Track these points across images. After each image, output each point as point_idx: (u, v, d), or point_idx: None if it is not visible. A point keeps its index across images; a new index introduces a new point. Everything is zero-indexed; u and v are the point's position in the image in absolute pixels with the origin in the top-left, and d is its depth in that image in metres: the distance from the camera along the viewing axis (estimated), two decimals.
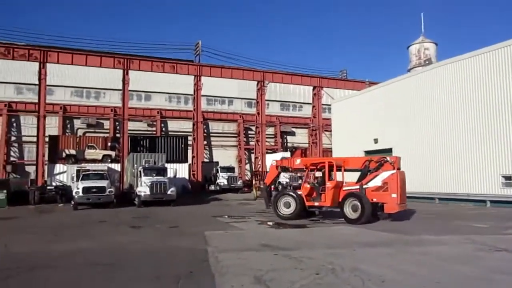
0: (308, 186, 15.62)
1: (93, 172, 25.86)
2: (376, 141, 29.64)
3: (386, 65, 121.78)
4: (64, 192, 27.37)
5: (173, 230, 13.49)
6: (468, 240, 10.11)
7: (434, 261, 7.80)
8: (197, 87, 38.01)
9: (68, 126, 43.28)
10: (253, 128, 45.22)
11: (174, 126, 46.62)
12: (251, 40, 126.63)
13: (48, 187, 28.35)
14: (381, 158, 15.38)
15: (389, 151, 28.18)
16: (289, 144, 51.15)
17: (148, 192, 23.24)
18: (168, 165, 27.72)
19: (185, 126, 44.51)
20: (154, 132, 44.68)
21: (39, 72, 31.50)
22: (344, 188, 14.94)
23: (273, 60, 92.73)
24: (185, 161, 36.84)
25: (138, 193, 23.58)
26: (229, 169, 38.13)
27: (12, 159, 40.86)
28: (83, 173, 25.60)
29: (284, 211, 15.53)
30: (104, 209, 21.98)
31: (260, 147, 40.78)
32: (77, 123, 43.53)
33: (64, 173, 31.26)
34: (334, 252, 8.66)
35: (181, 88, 44.32)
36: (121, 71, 34.23)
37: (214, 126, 48.80)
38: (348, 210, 14.19)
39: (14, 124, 41.46)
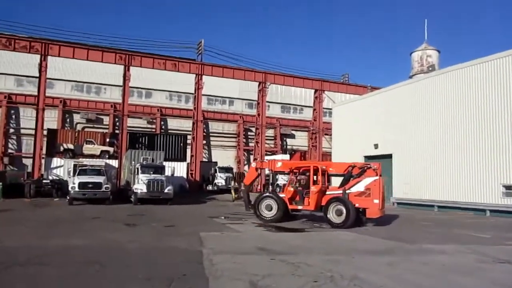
0: (292, 189, 15.63)
1: (90, 168, 25.62)
2: (376, 146, 29.45)
3: (388, 70, 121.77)
4: (60, 187, 27.12)
5: (168, 229, 13.23)
6: (469, 250, 9.88)
7: (436, 272, 7.56)
8: (198, 86, 37.80)
9: (68, 120, 43.09)
10: (253, 129, 45.05)
11: (174, 124, 46.43)
12: (253, 41, 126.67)
13: (44, 181, 28.06)
14: (364, 164, 15.56)
15: (389, 157, 28.04)
16: (288, 147, 50.97)
17: (144, 190, 22.95)
18: (166, 164, 27.45)
19: (185, 124, 44.32)
20: (154, 130, 44.48)
21: (40, 64, 31.29)
22: (328, 193, 15.04)
23: (275, 62, 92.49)
24: (184, 160, 36.60)
25: (134, 190, 23.30)
26: (228, 169, 37.91)
27: (10, 151, 40.68)
28: (80, 168, 25.33)
29: (266, 213, 15.42)
30: (99, 205, 21.70)
31: (260, 149, 40.57)
32: (77, 117, 43.35)
33: (61, 167, 31.01)
34: (332, 258, 8.42)
35: (182, 86, 44.13)
36: (122, 67, 34.03)
37: (214, 126, 48.60)
38: (332, 215, 14.32)
39: (13, 116, 41.27)
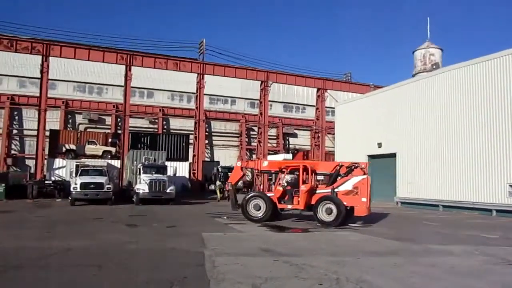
0: (281, 188, 15.64)
1: (92, 168, 25.48)
2: (380, 145, 29.20)
3: (391, 69, 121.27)
4: (62, 187, 27.04)
5: (170, 230, 13.05)
6: (478, 251, 9.63)
7: (445, 274, 7.32)
8: (200, 85, 37.64)
9: (70, 121, 43.03)
10: (256, 128, 44.88)
11: (176, 124, 46.31)
12: (255, 41, 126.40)
13: (47, 182, 28.00)
14: (352, 163, 15.76)
15: (393, 156, 27.79)
16: (291, 146, 50.73)
17: (146, 190, 22.81)
18: (168, 163, 27.30)
19: (187, 124, 44.17)
20: (156, 130, 44.36)
21: (42, 65, 31.24)
22: (318, 191, 15.09)
23: (277, 61, 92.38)
24: (186, 159, 36.47)
25: (136, 191, 23.15)
26: (230, 169, 37.67)
27: (13, 152, 40.64)
28: (82, 168, 25.22)
29: (254, 213, 15.34)
30: (101, 206, 21.58)
31: (262, 148, 40.36)
32: (79, 118, 43.30)
33: (63, 168, 30.94)
34: (337, 260, 8.19)
35: (184, 86, 43.97)
36: (124, 67, 33.92)
37: (216, 126, 48.43)
38: (322, 213, 14.43)
39: (16, 117, 41.25)
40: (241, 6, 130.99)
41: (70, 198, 22.47)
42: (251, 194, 15.91)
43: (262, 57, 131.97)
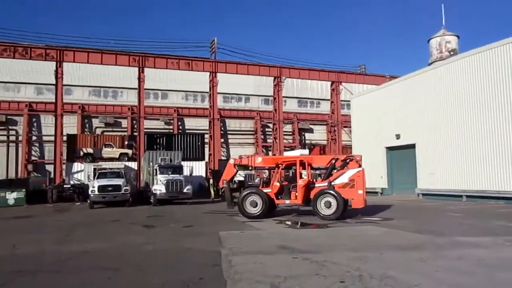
0: (278, 184, 15.73)
1: (109, 171, 25.65)
2: (398, 136, 28.57)
3: (406, 59, 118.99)
4: (81, 191, 27.30)
5: (187, 230, 12.92)
6: (509, 243, 9.17)
7: (474, 267, 6.93)
8: (213, 83, 37.55)
9: (87, 125, 43.52)
10: (270, 125, 44.57)
11: (191, 124, 46.35)
12: (266, 37, 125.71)
13: (66, 186, 28.33)
14: (346, 156, 15.96)
15: (412, 146, 27.15)
16: (307, 141, 50.23)
17: (163, 190, 22.83)
18: (184, 163, 27.29)
19: (202, 123, 44.14)
20: (172, 130, 44.46)
21: (56, 71, 31.65)
22: (317, 185, 15.15)
23: (290, 57, 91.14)
24: (202, 159, 36.42)
25: (153, 191, 23.21)
26: (246, 166, 37.48)
27: (33, 158, 41.32)
28: (99, 171, 25.42)
29: (251, 210, 15.30)
30: (119, 208, 21.68)
31: (278, 145, 40.07)
32: (95, 122, 43.74)
33: (81, 172, 31.29)
34: (359, 255, 7.86)
35: (198, 86, 43.94)
36: (137, 69, 34.10)
37: (231, 124, 48.28)
38: (321, 207, 14.45)
39: (35, 124, 41.92)
40: (251, 2, 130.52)
41: (88, 201, 22.66)
42: (247, 191, 15.79)
43: (274, 53, 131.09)
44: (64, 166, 32.13)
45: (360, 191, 14.48)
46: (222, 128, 45.77)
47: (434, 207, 19.34)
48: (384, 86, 32.87)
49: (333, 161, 15.55)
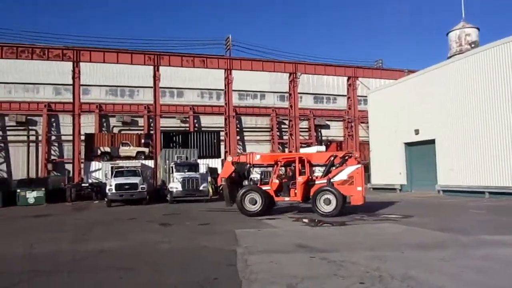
0: (277, 181, 15.68)
1: (126, 169, 25.85)
2: (417, 132, 27.93)
3: (424, 53, 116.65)
4: (99, 189, 27.59)
5: (203, 228, 12.84)
6: None
7: (502, 268, 6.60)
8: (228, 80, 37.44)
9: (104, 124, 44.06)
10: (286, 122, 44.26)
11: (207, 121, 46.43)
12: (281, 33, 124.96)
13: (84, 184, 28.69)
14: (346, 153, 16.12)
15: (431, 142, 26.50)
16: (323, 138, 49.73)
17: (180, 188, 22.85)
18: (200, 161, 27.30)
19: (218, 121, 44.12)
20: (188, 128, 44.62)
21: (73, 71, 32.04)
22: (317, 182, 15.14)
23: (305, 52, 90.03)
24: (218, 156, 36.39)
25: (170, 189, 23.27)
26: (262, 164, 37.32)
27: (52, 157, 42.05)
28: (116, 170, 25.64)
29: (250, 207, 15.20)
30: (136, 206, 21.82)
31: (294, 141, 39.75)
32: (113, 121, 44.26)
33: (99, 171, 31.65)
34: (379, 255, 7.59)
35: (213, 83, 44.01)
36: (152, 67, 34.28)
37: (247, 121, 48.16)
38: (320, 204, 14.45)
39: (54, 124, 42.65)
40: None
41: (106, 200, 22.87)
42: (246, 189, 15.65)
43: (289, 49, 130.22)
44: (82, 165, 32.55)
45: (359, 188, 14.53)
46: (238, 126, 45.68)
47: (456, 204, 18.82)
48: (402, 81, 32.19)
49: (332, 158, 15.56)
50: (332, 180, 14.73)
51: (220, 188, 18.58)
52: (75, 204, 24.80)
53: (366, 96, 37.71)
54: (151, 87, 36.54)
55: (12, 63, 38.07)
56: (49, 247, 9.94)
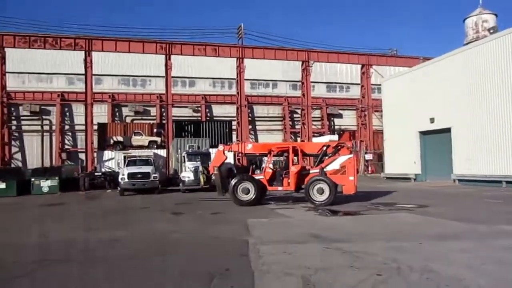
0: (270, 170, 15.82)
1: (139, 158, 25.90)
2: (432, 120, 27.35)
3: (440, 41, 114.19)
4: (112, 178, 27.70)
5: (214, 217, 12.75)
6: None
7: None
8: (240, 69, 37.14)
9: (117, 113, 44.26)
10: (299, 111, 43.88)
11: (218, 111, 46.29)
12: (294, 20, 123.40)
13: (97, 174, 28.87)
14: (338, 143, 16.28)
15: (447, 131, 25.94)
16: (336, 127, 49.22)
17: (192, 177, 22.82)
18: (212, 150, 27.20)
19: (230, 110, 43.97)
20: (199, 118, 44.56)
21: (85, 60, 32.08)
22: (312, 171, 15.24)
23: (318, 40, 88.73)
24: None
25: (182, 178, 23.27)
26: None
27: (66, 147, 42.48)
28: (129, 159, 25.71)
29: (243, 197, 15.15)
30: (148, 195, 21.86)
31: (306, 131, 39.43)
32: (125, 110, 44.42)
33: (112, 160, 31.81)
34: (396, 245, 7.38)
35: (225, 72, 43.74)
36: (164, 56, 34.14)
37: (259, 110, 47.87)
38: (314, 193, 14.54)
39: (67, 114, 43.01)
40: None
41: (119, 189, 22.98)
42: (238, 178, 15.55)
43: (302, 37, 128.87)
44: (95, 154, 32.77)
45: (351, 177, 14.67)
46: (250, 115, 45.45)
47: (472, 193, 18.41)
48: (417, 68, 31.46)
49: (325, 147, 15.65)
50: (325, 169, 14.83)
51: (212, 177, 18.60)
52: (88, 193, 24.99)
53: (380, 85, 37.05)
54: (163, 77, 36.48)
55: (24, 53, 38.32)
56: (62, 236, 9.95)
